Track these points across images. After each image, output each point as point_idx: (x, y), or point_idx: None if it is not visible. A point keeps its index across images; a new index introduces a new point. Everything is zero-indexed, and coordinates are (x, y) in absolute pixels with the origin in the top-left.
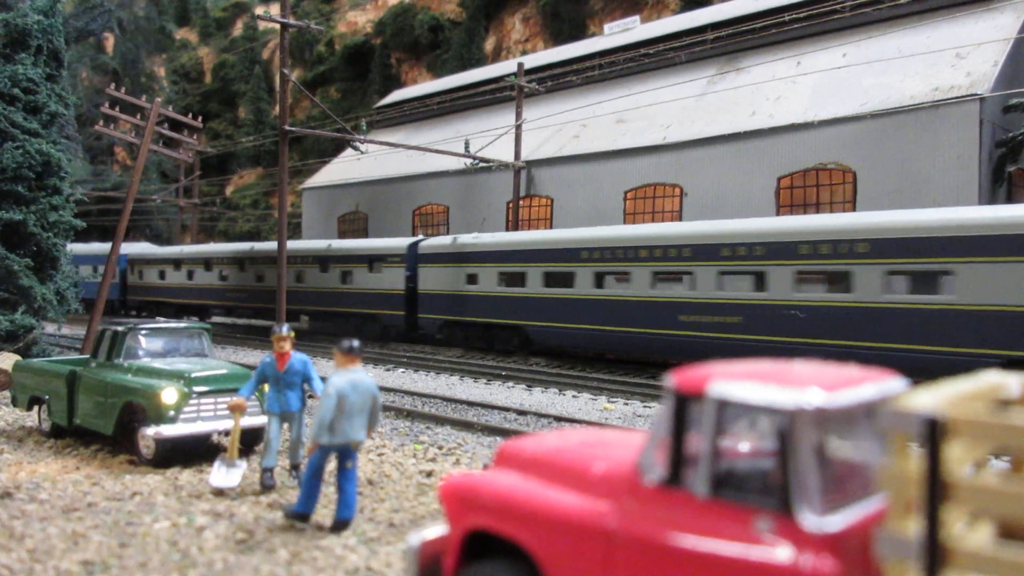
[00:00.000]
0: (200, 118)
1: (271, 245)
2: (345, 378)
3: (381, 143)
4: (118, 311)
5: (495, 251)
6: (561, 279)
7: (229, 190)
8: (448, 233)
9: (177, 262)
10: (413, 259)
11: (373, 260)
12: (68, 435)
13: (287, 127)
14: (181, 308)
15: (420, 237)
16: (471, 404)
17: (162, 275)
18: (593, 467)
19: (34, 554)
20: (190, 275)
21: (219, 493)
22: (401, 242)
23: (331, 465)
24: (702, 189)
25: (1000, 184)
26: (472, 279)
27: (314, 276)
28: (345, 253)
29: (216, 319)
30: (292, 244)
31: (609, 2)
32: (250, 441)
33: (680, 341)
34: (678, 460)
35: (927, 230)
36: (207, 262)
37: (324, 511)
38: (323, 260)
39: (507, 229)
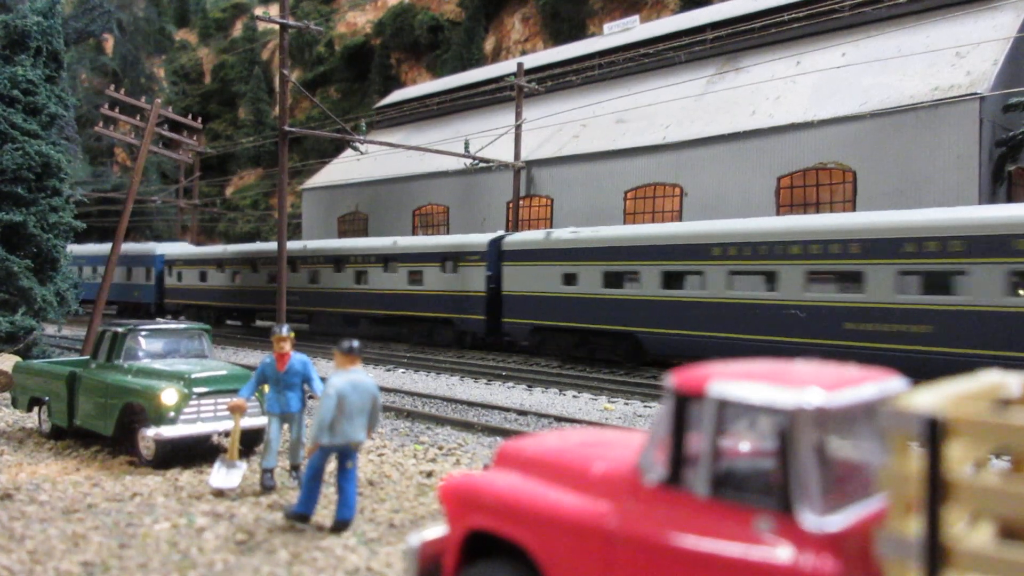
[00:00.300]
0: (200, 119)
1: (323, 244)
2: (345, 378)
3: (381, 143)
4: (154, 316)
5: (600, 247)
6: (685, 280)
7: (229, 191)
8: (448, 233)
9: (220, 263)
10: (495, 257)
11: (447, 258)
12: (68, 436)
13: (287, 128)
14: (223, 312)
15: (502, 232)
16: (471, 404)
17: (203, 276)
18: (593, 467)
19: (34, 555)
20: (234, 277)
21: (219, 494)
22: (481, 238)
23: (331, 466)
24: (702, 189)
25: (1000, 183)
26: (570, 279)
27: (376, 277)
28: (413, 251)
29: (259, 323)
30: (350, 242)
31: (609, 2)
32: (250, 442)
33: (846, 353)
34: (678, 460)
35: None
36: (253, 263)
37: (324, 512)
38: (387, 259)
39: (507, 229)
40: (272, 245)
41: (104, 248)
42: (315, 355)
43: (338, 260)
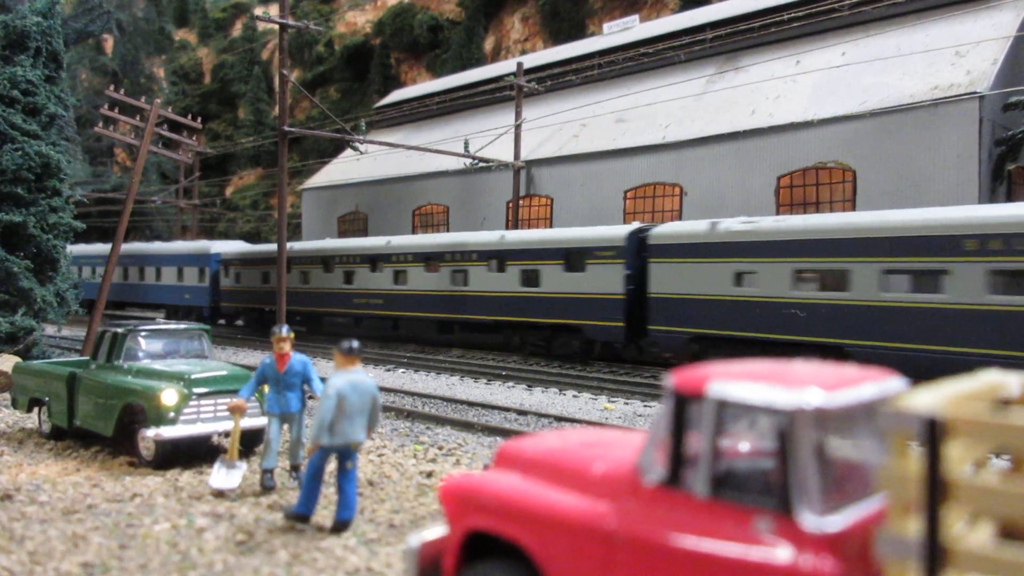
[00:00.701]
0: (199, 119)
1: (412, 240)
2: (345, 379)
3: (381, 143)
4: (207, 321)
5: (788, 240)
6: (919, 280)
7: (229, 191)
8: (448, 232)
9: (287, 262)
10: (636, 252)
11: (572, 254)
12: (68, 437)
13: (286, 128)
14: (287, 316)
15: (640, 224)
16: (471, 404)
17: (265, 278)
18: (593, 467)
19: (34, 556)
20: (304, 278)
21: (219, 494)
22: (616, 231)
23: (331, 466)
24: (702, 188)
25: (1000, 182)
26: (741, 279)
27: (479, 277)
28: (527, 247)
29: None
30: (446, 237)
31: (608, 1)
32: (250, 442)
33: None
34: (678, 460)
35: None
36: (326, 262)
37: (324, 512)
38: (493, 256)
39: (507, 229)
40: (347, 242)
41: (137, 248)
42: (315, 355)
43: (430, 258)
